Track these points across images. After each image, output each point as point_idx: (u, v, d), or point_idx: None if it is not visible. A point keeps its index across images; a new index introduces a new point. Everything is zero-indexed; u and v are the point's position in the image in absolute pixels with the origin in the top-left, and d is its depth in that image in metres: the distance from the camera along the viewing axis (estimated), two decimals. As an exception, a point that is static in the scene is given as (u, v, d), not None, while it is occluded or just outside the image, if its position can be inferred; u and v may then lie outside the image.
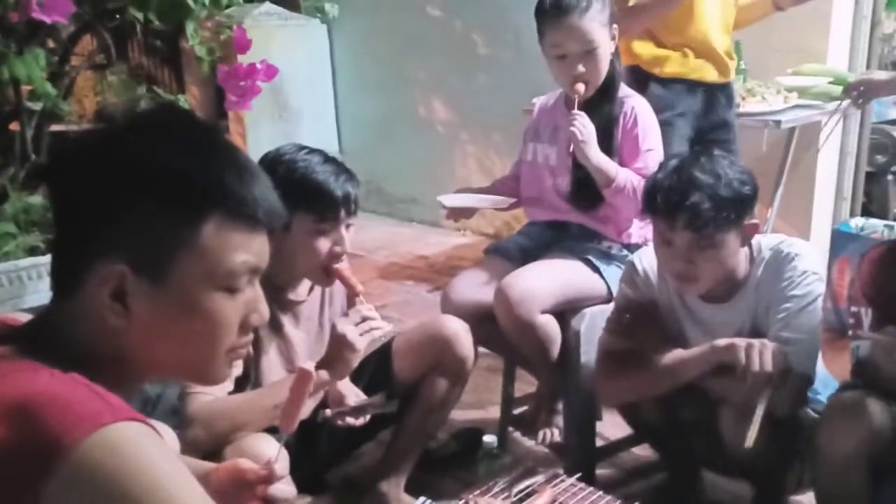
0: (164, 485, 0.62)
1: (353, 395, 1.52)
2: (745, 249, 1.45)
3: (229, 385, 1.36)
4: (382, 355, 1.62)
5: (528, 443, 1.99)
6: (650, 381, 1.46)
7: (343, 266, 1.45)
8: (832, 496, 1.33)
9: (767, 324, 1.44)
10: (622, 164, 1.77)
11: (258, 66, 2.11)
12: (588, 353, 1.68)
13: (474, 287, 1.85)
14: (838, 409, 1.30)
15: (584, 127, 1.70)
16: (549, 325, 1.77)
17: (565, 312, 1.79)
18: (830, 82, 2.51)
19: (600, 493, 1.41)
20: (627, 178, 1.73)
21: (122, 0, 2.16)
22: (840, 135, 2.78)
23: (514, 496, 1.37)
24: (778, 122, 2.42)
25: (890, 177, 3.01)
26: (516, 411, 2.05)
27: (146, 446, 0.63)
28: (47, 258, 2.19)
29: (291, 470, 1.26)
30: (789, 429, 1.45)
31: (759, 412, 1.30)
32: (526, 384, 2.07)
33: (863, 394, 1.27)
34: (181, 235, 0.69)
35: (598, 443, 1.87)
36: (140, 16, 2.11)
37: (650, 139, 1.80)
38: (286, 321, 1.51)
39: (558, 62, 1.76)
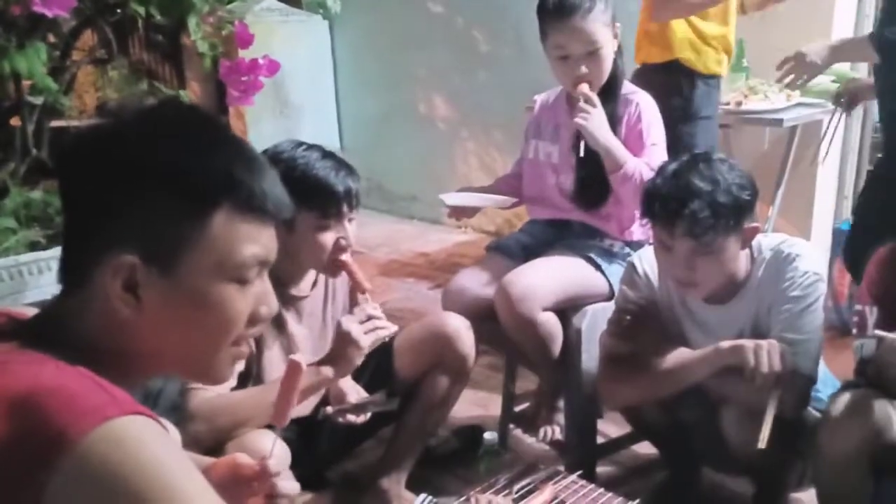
0: (168, 478, 0.62)
1: (354, 392, 1.52)
2: (746, 251, 1.45)
3: (232, 381, 1.36)
4: (383, 353, 1.62)
5: (529, 440, 1.99)
6: (654, 384, 1.46)
7: (352, 262, 1.45)
8: (833, 495, 1.33)
9: (768, 324, 1.44)
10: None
11: (260, 61, 2.11)
12: (589, 351, 1.68)
13: (476, 284, 1.84)
14: (841, 407, 1.30)
15: (594, 106, 1.69)
16: (551, 323, 1.77)
17: (567, 310, 1.79)
18: (833, 81, 2.50)
19: (601, 490, 1.41)
20: (637, 167, 1.72)
21: (123, -6, 2.15)
22: (842, 134, 2.77)
23: (515, 493, 1.37)
24: (780, 121, 2.41)
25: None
26: (517, 409, 2.05)
27: (151, 440, 0.63)
28: (48, 253, 2.22)
29: (292, 466, 1.27)
30: (791, 427, 1.45)
31: (770, 413, 1.29)
32: (527, 381, 2.07)
33: (866, 393, 1.27)
34: (191, 227, 0.69)
35: (599, 440, 1.87)
36: (142, 10, 2.11)
37: (654, 134, 1.79)
38: (289, 317, 1.51)
39: (561, 63, 1.75)
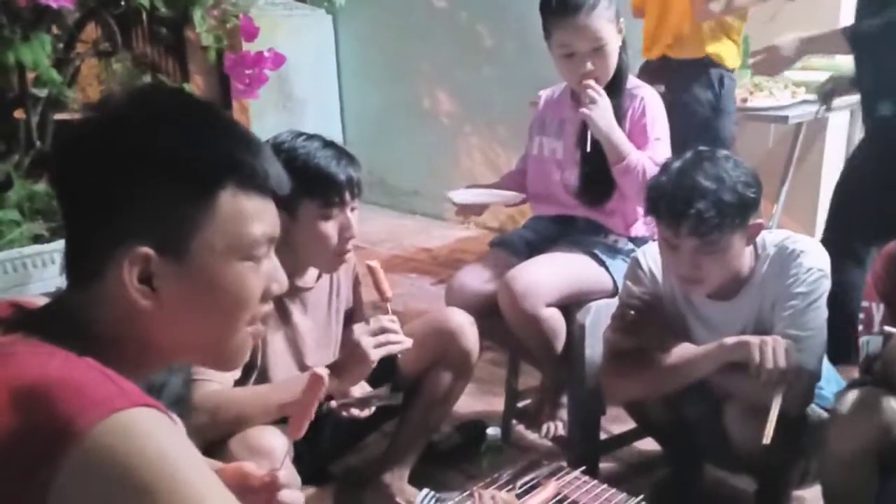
0: (177, 471, 0.62)
1: (357, 386, 1.52)
2: (750, 247, 1.45)
3: (236, 373, 1.36)
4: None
5: (532, 436, 1.99)
6: (658, 380, 1.46)
7: (380, 269, 1.45)
8: (840, 493, 1.32)
9: (773, 320, 1.44)
10: None
11: (266, 54, 2.10)
12: (593, 347, 1.68)
13: (479, 280, 1.84)
14: (849, 405, 1.29)
15: (600, 96, 1.69)
16: (554, 319, 1.77)
17: (570, 306, 1.78)
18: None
19: (604, 486, 1.41)
20: (640, 160, 1.71)
21: (128, -14, 2.15)
22: (846, 130, 2.76)
23: (518, 489, 1.37)
24: (785, 118, 2.41)
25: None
26: (520, 404, 2.05)
27: (159, 432, 0.63)
28: (52, 246, 2.22)
29: (295, 460, 1.26)
30: (795, 424, 1.45)
31: (775, 409, 1.29)
32: (530, 377, 2.07)
33: (874, 391, 1.27)
34: (199, 211, 0.69)
35: (602, 436, 1.87)
36: (146, 2, 2.10)
37: (658, 129, 1.79)
38: (294, 309, 1.51)
39: (566, 61, 1.74)
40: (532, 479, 1.40)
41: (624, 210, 1.83)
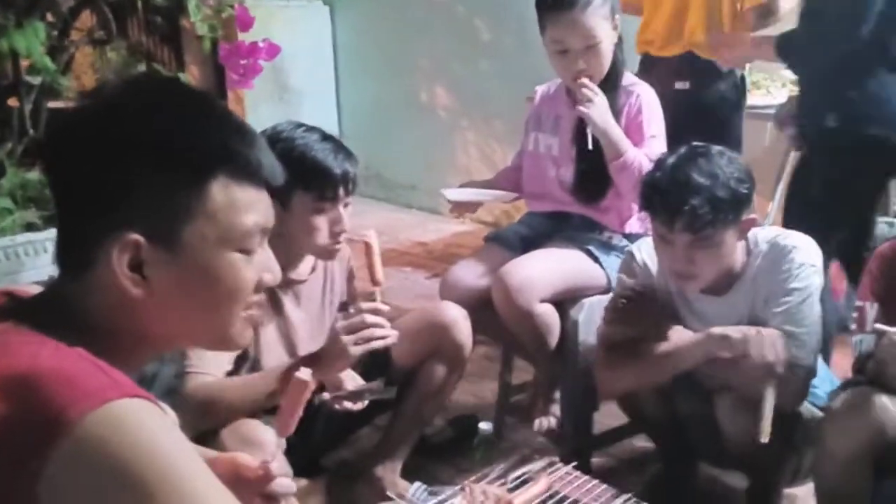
0: (168, 462, 0.62)
1: (350, 379, 1.51)
2: (742, 242, 1.45)
3: (228, 364, 1.36)
4: (381, 340, 1.61)
5: (525, 431, 1.99)
6: (649, 369, 1.46)
7: (376, 250, 1.41)
8: (835, 493, 1.33)
9: (766, 316, 1.44)
10: None
11: (260, 44, 2.09)
12: (586, 343, 1.68)
13: (473, 274, 1.84)
14: (845, 405, 1.30)
15: (596, 94, 1.68)
16: (548, 314, 1.77)
17: (564, 302, 1.78)
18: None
19: (596, 481, 1.41)
20: (637, 157, 1.72)
21: (123, -26, 2.13)
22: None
23: (510, 483, 1.37)
24: (782, 116, 2.40)
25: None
26: (513, 399, 2.05)
27: (151, 423, 0.63)
28: (44, 234, 2.21)
29: (287, 453, 1.26)
30: (787, 422, 1.46)
31: (770, 404, 1.30)
32: (523, 372, 2.07)
33: (870, 390, 1.27)
34: (191, 199, 0.69)
35: (595, 432, 1.87)
36: (141, -10, 2.09)
37: (654, 126, 1.79)
38: (286, 300, 1.50)
39: (560, 57, 1.74)
40: (524, 474, 1.40)
41: (619, 207, 1.83)
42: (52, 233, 2.30)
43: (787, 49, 1.82)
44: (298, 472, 1.45)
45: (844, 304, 1.83)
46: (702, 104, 2.14)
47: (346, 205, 1.43)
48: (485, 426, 1.99)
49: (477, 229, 3.50)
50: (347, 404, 1.46)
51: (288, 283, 1.49)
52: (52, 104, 2.37)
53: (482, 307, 1.76)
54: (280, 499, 0.88)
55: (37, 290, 0.75)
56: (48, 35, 2.16)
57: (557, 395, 1.97)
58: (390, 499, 1.60)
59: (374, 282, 1.39)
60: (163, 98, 0.72)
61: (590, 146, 1.74)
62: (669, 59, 2.22)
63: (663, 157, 1.46)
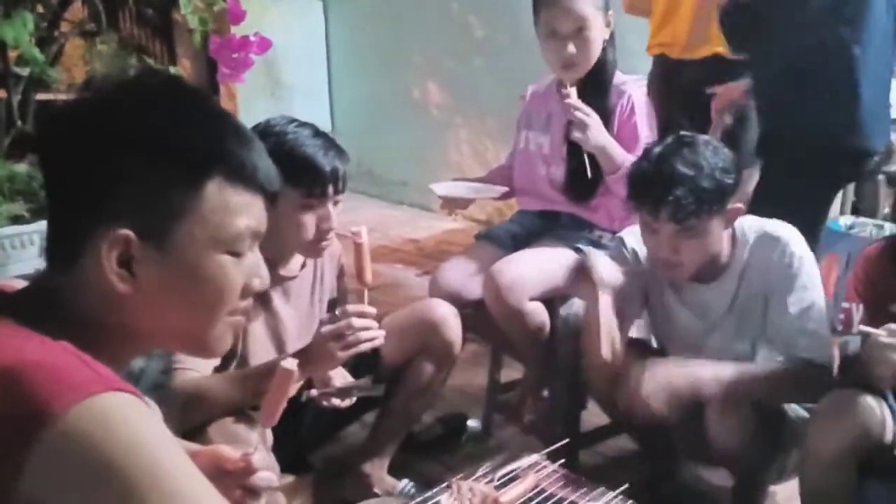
0: (151, 456, 0.61)
1: (339, 376, 1.51)
2: (729, 231, 1.47)
3: (215, 361, 1.35)
4: (370, 337, 1.61)
5: (513, 429, 1.99)
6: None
7: (367, 248, 1.39)
8: (819, 493, 1.34)
9: (757, 307, 1.46)
10: None
11: (251, 38, 2.08)
12: (575, 341, 1.68)
13: (463, 272, 1.84)
14: (831, 406, 1.31)
15: (588, 115, 1.69)
16: (538, 313, 1.77)
17: (554, 300, 1.79)
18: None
19: (583, 479, 1.41)
20: None
21: (113, -34, 2.11)
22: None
23: (497, 481, 1.37)
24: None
25: (881, 177, 3.02)
26: (502, 397, 2.06)
27: (135, 417, 0.62)
28: (31, 227, 2.19)
29: (275, 450, 1.26)
30: (773, 420, 1.47)
31: (606, 326, 1.35)
32: (512, 370, 2.07)
33: (854, 391, 1.28)
34: (184, 199, 0.69)
35: (582, 430, 1.88)
36: (131, -18, 2.07)
37: (648, 128, 1.79)
38: (275, 297, 1.49)
39: (550, 41, 1.75)
40: (511, 472, 1.40)
41: (608, 206, 1.84)
42: (39, 226, 2.30)
43: (733, 28, 1.80)
44: (286, 469, 1.45)
45: (832, 305, 1.84)
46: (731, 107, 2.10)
47: (335, 203, 1.42)
48: (473, 424, 1.99)
49: (468, 227, 3.50)
50: (335, 401, 1.46)
51: (277, 280, 1.49)
52: (40, 96, 2.35)
53: (472, 305, 1.77)
54: (262, 492, 0.87)
55: (21, 284, 0.75)
56: (37, 26, 2.14)
57: (546, 393, 1.98)
58: (378, 496, 1.60)
59: (363, 283, 1.37)
60: (163, 96, 0.71)
61: (564, 138, 1.73)
62: (693, 62, 2.17)
63: (649, 147, 1.47)
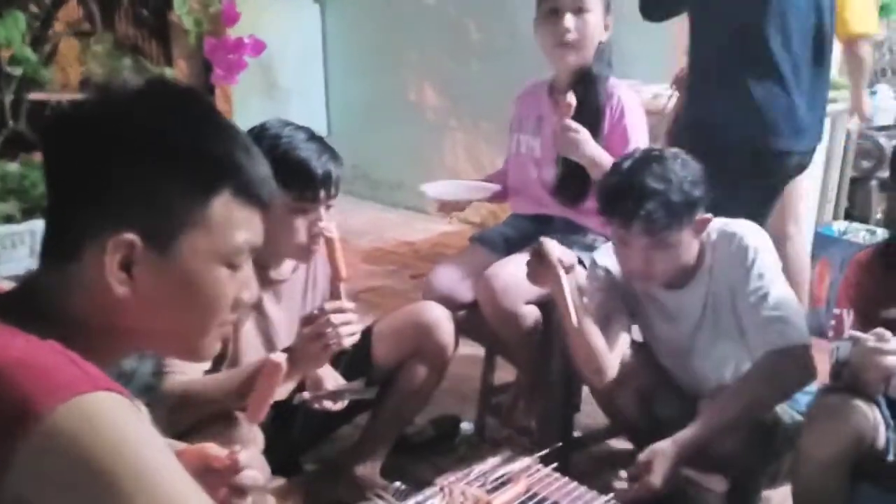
0: (138, 455, 0.61)
1: (331, 379, 1.50)
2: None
3: (206, 364, 1.34)
4: (363, 339, 1.60)
5: (506, 431, 1.99)
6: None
7: (338, 246, 1.39)
8: (812, 498, 1.34)
9: (727, 303, 1.49)
10: (610, 154, 1.76)
11: (246, 40, 2.07)
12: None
13: (456, 275, 1.84)
14: (824, 411, 1.31)
15: (577, 132, 1.69)
16: (532, 316, 1.77)
17: (548, 303, 1.78)
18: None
19: (575, 483, 1.41)
20: None
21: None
22: (827, 139, 2.79)
23: (490, 484, 1.37)
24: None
25: (874, 182, 3.04)
26: (495, 400, 2.05)
27: (122, 417, 0.62)
28: (23, 226, 2.18)
29: (266, 452, 1.25)
30: (767, 425, 1.47)
31: (569, 294, 1.40)
32: (505, 373, 2.07)
33: (848, 397, 1.29)
34: (193, 210, 0.70)
35: (575, 434, 1.88)
36: (125, -18, 2.07)
37: (638, 133, 1.79)
38: (267, 300, 1.49)
39: (549, 19, 1.75)
40: (504, 475, 1.39)
41: (602, 209, 1.84)
42: (30, 225, 2.28)
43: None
44: (277, 471, 1.45)
45: (823, 311, 1.85)
46: None
47: (328, 207, 1.42)
48: (466, 426, 1.98)
49: (463, 229, 3.49)
50: (327, 404, 1.45)
51: (268, 283, 1.48)
52: (33, 95, 2.34)
53: (465, 308, 1.76)
54: (248, 490, 0.87)
55: (9, 286, 0.75)
56: (30, 26, 2.13)
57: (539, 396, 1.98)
58: (370, 498, 1.60)
59: (338, 277, 1.38)
60: (180, 106, 0.73)
61: (555, 141, 1.74)
62: None
63: (618, 162, 1.50)
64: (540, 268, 1.45)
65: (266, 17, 3.52)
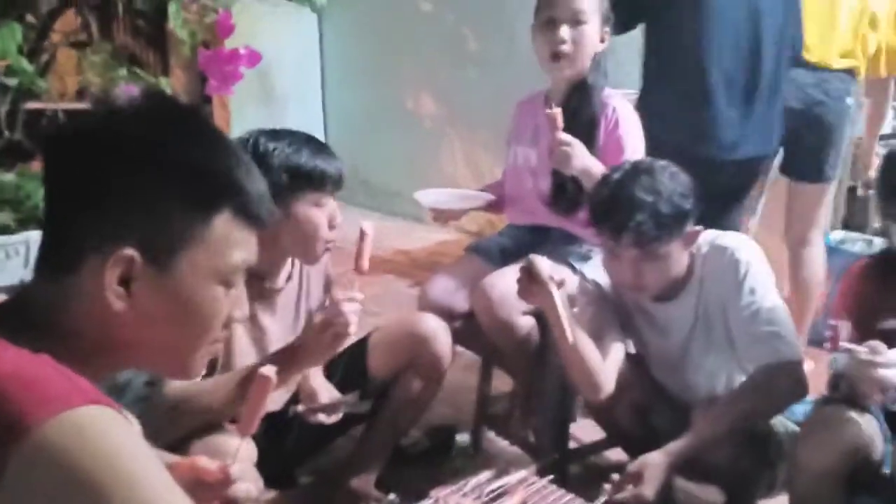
0: (130, 469, 0.61)
1: (326, 391, 1.50)
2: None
3: (201, 374, 1.34)
4: (357, 351, 1.60)
5: (502, 443, 1.98)
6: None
7: (369, 241, 1.36)
8: None
9: (718, 316, 1.48)
10: (605, 164, 1.76)
11: (241, 51, 2.08)
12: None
13: (452, 285, 1.83)
14: (820, 422, 1.31)
15: (570, 145, 1.69)
16: (528, 326, 1.76)
17: (544, 314, 1.78)
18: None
19: (572, 495, 1.40)
20: None
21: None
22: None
23: (486, 496, 1.36)
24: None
25: (871, 192, 3.03)
26: (491, 411, 2.04)
27: (113, 430, 0.62)
28: (17, 237, 2.18)
29: (260, 464, 1.24)
30: (760, 436, 1.47)
31: (562, 307, 1.40)
32: (501, 383, 2.06)
33: (844, 408, 1.29)
34: (194, 227, 0.70)
35: (572, 445, 1.87)
36: (121, -7, 2.07)
37: (633, 144, 1.79)
38: (261, 310, 1.49)
39: (546, 30, 1.75)
40: (500, 487, 1.39)
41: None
42: (25, 236, 2.28)
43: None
44: (272, 484, 1.44)
45: (821, 321, 1.84)
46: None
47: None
48: (461, 438, 1.98)
49: (461, 238, 3.49)
50: (322, 417, 1.44)
51: (263, 293, 1.48)
52: (29, 105, 2.34)
53: (461, 318, 1.76)
54: (241, 503, 0.87)
55: (1, 298, 0.75)
56: (26, 36, 2.13)
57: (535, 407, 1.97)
58: (365, 511, 1.59)
59: (359, 268, 1.35)
60: (184, 124, 0.73)
61: (550, 152, 1.74)
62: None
63: (608, 174, 1.50)
64: (531, 285, 1.45)
65: (263, 26, 3.53)
